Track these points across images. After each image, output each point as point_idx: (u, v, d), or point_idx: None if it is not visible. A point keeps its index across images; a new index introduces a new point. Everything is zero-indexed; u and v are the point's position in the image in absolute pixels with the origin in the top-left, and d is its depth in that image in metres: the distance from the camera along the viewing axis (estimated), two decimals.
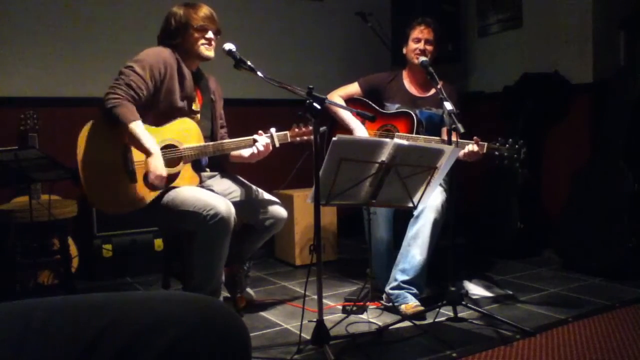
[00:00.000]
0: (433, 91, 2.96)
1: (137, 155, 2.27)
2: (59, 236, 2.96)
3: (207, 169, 2.63)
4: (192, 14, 2.42)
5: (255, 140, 2.46)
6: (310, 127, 2.46)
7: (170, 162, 2.34)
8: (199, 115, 2.54)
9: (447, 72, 3.31)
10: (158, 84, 2.34)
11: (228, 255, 2.41)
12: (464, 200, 2.98)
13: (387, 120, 2.96)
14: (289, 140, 2.52)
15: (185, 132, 2.40)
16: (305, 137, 2.51)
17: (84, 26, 3.54)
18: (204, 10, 2.44)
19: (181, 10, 2.44)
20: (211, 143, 2.46)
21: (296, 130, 2.52)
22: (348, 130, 2.93)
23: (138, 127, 2.20)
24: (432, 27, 2.93)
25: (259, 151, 2.47)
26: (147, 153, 2.21)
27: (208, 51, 2.46)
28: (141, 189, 2.29)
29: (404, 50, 3.01)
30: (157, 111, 2.36)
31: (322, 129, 2.23)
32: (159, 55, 2.36)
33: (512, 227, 3.75)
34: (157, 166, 2.21)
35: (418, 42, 2.92)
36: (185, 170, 2.39)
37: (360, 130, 2.91)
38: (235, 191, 2.57)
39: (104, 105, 2.19)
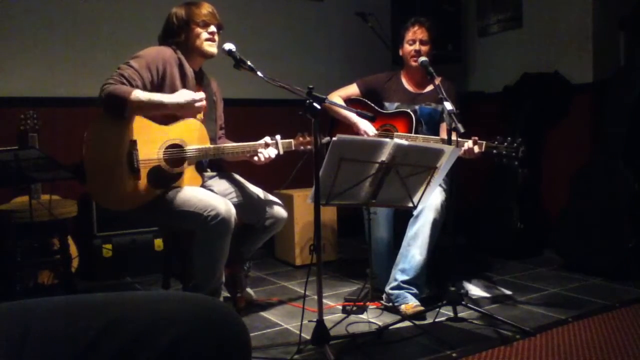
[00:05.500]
0: (431, 87, 2.96)
1: (142, 153, 2.27)
2: (59, 236, 2.96)
3: (208, 169, 2.63)
4: (194, 10, 2.43)
5: (257, 150, 2.48)
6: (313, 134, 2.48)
7: (174, 163, 2.34)
8: (201, 115, 2.55)
9: (447, 72, 3.30)
10: (156, 82, 2.33)
11: (228, 255, 2.41)
12: (464, 200, 2.98)
13: (386, 120, 2.96)
14: (293, 148, 2.56)
15: (191, 133, 2.39)
16: (308, 147, 2.54)
17: (84, 26, 3.54)
18: (206, 7, 2.46)
19: (182, 8, 2.46)
20: (213, 146, 2.46)
21: (300, 139, 2.55)
22: (349, 130, 2.93)
23: (139, 92, 2.20)
24: (425, 26, 2.92)
25: (258, 160, 2.49)
26: (170, 106, 2.23)
27: (211, 47, 2.46)
28: (145, 187, 2.29)
29: (400, 52, 3.01)
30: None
31: (325, 139, 2.25)
32: (158, 53, 2.37)
33: (512, 227, 3.75)
34: (189, 97, 2.25)
35: (413, 43, 2.92)
36: (189, 171, 2.39)
37: (364, 125, 2.90)
38: (235, 191, 2.58)
39: (100, 99, 2.18)
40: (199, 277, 2.39)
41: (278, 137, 2.53)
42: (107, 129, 2.26)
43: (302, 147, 2.55)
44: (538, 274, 3.32)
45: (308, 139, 2.54)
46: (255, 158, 2.50)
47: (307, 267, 2.90)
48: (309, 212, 3.23)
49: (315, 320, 2.05)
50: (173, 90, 2.36)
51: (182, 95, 2.27)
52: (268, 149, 2.49)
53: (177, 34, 2.44)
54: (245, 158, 2.55)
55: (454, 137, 2.39)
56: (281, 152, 2.52)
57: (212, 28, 2.45)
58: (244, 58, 2.30)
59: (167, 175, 2.33)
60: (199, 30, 2.43)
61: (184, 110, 2.29)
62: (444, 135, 2.64)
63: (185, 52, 2.44)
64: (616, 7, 3.74)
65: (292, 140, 2.55)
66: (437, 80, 2.54)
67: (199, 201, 2.28)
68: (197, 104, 2.27)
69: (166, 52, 2.39)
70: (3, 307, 0.75)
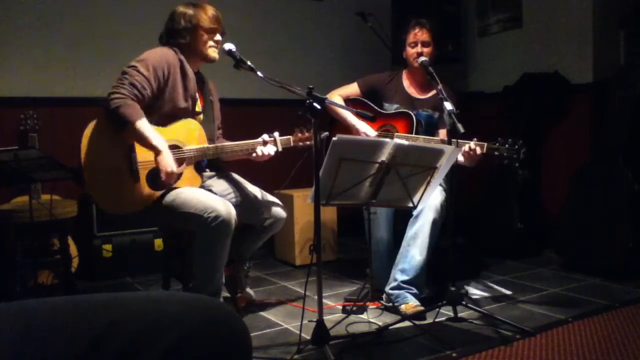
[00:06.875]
0: (432, 93, 2.97)
1: (141, 155, 2.26)
2: (59, 236, 2.96)
3: (207, 169, 2.63)
4: (202, 14, 2.41)
5: (256, 148, 2.48)
6: (312, 132, 2.48)
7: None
8: (201, 116, 2.55)
9: (447, 72, 3.31)
10: (161, 85, 2.33)
11: (228, 255, 2.41)
12: (464, 200, 2.98)
13: (386, 121, 2.96)
14: (292, 144, 2.55)
15: (189, 133, 2.40)
16: (307, 142, 2.54)
17: (84, 26, 3.54)
18: (212, 12, 2.45)
19: (190, 9, 2.42)
20: (212, 145, 2.46)
21: (299, 135, 2.55)
22: (348, 130, 2.93)
23: (144, 125, 2.19)
24: (426, 28, 2.91)
25: (257, 155, 2.49)
26: (156, 151, 2.20)
27: (214, 53, 2.47)
28: (144, 190, 2.28)
29: (404, 55, 3.01)
30: (161, 112, 2.35)
31: (323, 134, 2.25)
32: (162, 56, 2.35)
33: (512, 227, 3.75)
34: (167, 164, 2.20)
35: (414, 46, 2.91)
36: (188, 171, 2.39)
37: (364, 127, 2.90)
38: (235, 191, 2.58)
39: (108, 106, 2.18)
40: (199, 278, 2.39)
41: (276, 134, 2.53)
42: (104, 133, 2.25)
43: (300, 143, 2.55)
44: (538, 274, 3.32)
45: (307, 134, 2.54)
46: (254, 155, 2.50)
47: (307, 267, 2.90)
48: (309, 212, 3.23)
49: (315, 320, 2.05)
50: (173, 94, 2.36)
51: (168, 160, 2.20)
52: (267, 147, 2.48)
53: (182, 36, 2.41)
54: (243, 156, 2.55)
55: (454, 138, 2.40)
56: (280, 149, 2.52)
57: (218, 36, 2.46)
58: (244, 58, 2.30)
59: None
60: (205, 36, 2.43)
61: (158, 158, 2.20)
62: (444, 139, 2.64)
63: (187, 54, 2.44)
64: (616, 6, 3.74)
65: (290, 137, 2.55)
66: (440, 85, 2.54)
67: (198, 202, 2.27)
68: (164, 176, 2.20)
69: (169, 55, 2.37)
70: (4, 308, 0.75)
